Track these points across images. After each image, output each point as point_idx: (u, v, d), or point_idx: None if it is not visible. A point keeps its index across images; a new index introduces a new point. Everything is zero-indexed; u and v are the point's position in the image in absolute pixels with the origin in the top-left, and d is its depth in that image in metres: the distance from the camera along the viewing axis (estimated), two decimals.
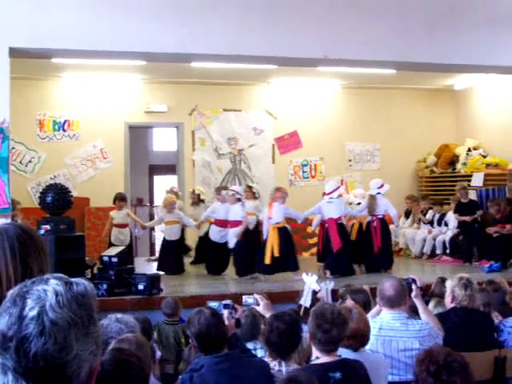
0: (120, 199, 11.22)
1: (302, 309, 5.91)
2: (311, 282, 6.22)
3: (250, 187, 11.50)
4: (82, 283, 1.37)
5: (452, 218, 12.36)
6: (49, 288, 1.31)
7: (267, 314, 4.55)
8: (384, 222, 10.70)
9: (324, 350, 3.71)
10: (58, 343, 1.26)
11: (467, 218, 11.63)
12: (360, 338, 4.05)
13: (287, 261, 9.66)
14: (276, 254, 9.56)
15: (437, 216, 12.96)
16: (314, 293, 6.23)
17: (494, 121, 13.88)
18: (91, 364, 1.34)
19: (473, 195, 12.33)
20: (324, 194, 10.60)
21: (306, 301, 6.05)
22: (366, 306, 5.29)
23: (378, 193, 10.70)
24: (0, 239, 2.14)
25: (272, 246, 9.60)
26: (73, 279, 1.37)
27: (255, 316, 4.94)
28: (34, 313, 1.26)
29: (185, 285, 9.53)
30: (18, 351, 1.25)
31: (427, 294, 6.64)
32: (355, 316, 3.99)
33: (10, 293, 1.33)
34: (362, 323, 4.06)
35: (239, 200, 10.28)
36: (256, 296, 5.15)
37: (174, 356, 6.48)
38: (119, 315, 3.37)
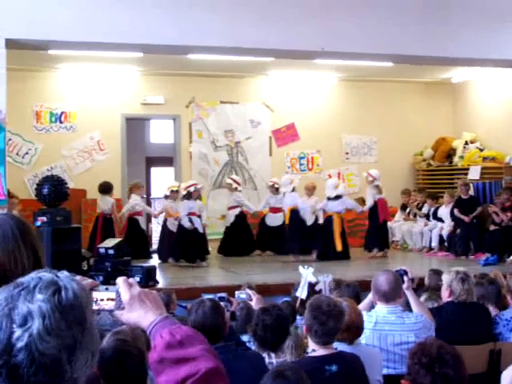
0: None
1: (298, 301, 5.91)
2: (307, 274, 6.21)
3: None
4: (70, 287, 1.29)
5: (445, 213, 12.38)
6: (34, 308, 1.24)
7: None
8: None
9: (320, 342, 3.72)
10: (49, 372, 1.23)
11: (466, 219, 11.62)
12: (354, 330, 4.07)
13: None
14: None
15: (432, 210, 12.98)
16: (310, 285, 6.22)
17: (491, 114, 13.89)
18: (87, 375, 1.30)
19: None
20: None
21: (302, 293, 6.04)
22: (355, 301, 5.28)
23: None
24: None
25: None
26: (61, 282, 1.29)
27: (250, 309, 4.94)
28: (22, 344, 1.22)
29: (181, 277, 9.53)
30: (9, 378, 1.22)
31: (421, 287, 6.61)
32: (347, 309, 3.99)
33: None
34: (354, 315, 4.07)
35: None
36: (248, 291, 5.16)
37: None
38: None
